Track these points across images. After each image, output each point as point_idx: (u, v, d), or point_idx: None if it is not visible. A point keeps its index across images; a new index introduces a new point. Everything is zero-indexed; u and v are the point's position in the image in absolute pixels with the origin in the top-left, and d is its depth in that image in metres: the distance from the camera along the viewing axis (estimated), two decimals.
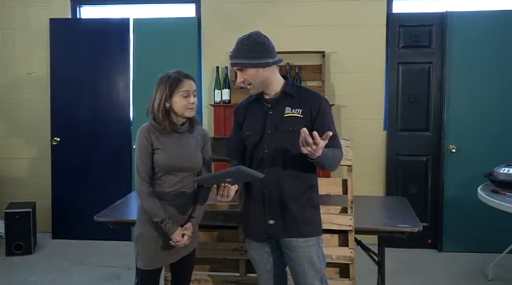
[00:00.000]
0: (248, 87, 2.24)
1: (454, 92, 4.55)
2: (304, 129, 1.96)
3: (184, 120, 2.36)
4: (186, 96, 2.29)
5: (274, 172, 2.23)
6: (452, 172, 4.58)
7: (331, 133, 1.99)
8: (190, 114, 2.33)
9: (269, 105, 2.27)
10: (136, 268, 2.40)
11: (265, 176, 2.16)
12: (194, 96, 2.32)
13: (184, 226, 2.36)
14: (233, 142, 2.44)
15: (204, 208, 2.48)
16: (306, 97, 2.25)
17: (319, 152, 2.00)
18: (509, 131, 4.50)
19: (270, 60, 2.20)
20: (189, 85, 2.31)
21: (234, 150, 2.43)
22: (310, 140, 1.94)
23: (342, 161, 2.29)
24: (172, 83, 2.28)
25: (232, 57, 2.22)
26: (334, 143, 2.21)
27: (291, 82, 2.31)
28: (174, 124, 2.32)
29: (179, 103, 2.28)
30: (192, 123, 2.40)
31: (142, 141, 2.29)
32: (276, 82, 2.27)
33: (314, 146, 1.95)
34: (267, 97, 2.29)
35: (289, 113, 2.22)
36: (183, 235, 2.32)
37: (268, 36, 2.23)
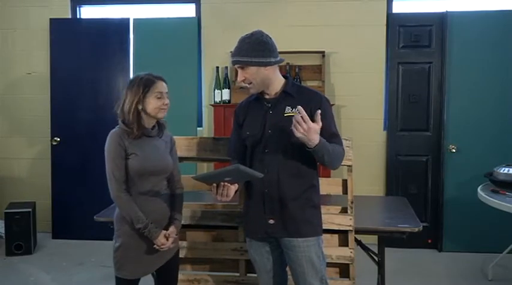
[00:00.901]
0: (248, 86, 2.24)
1: (454, 92, 4.55)
2: (299, 107, 1.99)
3: (154, 124, 2.34)
4: (160, 97, 2.27)
5: (275, 171, 2.22)
6: (452, 172, 4.58)
7: (319, 112, 2.02)
8: (162, 115, 2.31)
9: (269, 105, 2.27)
10: (116, 277, 2.33)
11: (266, 175, 2.17)
12: (167, 97, 2.31)
13: (169, 229, 2.33)
14: (233, 142, 2.44)
15: (182, 211, 2.47)
16: (306, 97, 2.24)
17: (314, 138, 2.01)
18: (509, 131, 4.50)
19: (272, 60, 2.20)
20: (162, 86, 2.29)
21: (234, 150, 2.43)
22: (298, 117, 1.96)
23: (342, 161, 2.29)
24: (146, 84, 2.25)
25: (233, 55, 2.22)
26: (335, 141, 2.22)
27: (291, 82, 2.31)
28: (144, 128, 2.29)
29: (153, 104, 2.26)
30: (161, 127, 2.39)
31: (115, 147, 2.23)
32: (276, 82, 2.27)
33: (304, 126, 1.97)
34: (267, 97, 2.29)
35: (290, 113, 2.21)
36: (167, 238, 2.30)
37: (270, 36, 2.23)
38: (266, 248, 2.34)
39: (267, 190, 2.24)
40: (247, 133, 2.31)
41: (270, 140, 2.24)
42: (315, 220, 2.30)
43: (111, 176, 2.23)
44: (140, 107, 2.26)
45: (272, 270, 2.36)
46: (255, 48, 2.16)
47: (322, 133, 2.13)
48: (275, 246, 2.33)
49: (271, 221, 2.25)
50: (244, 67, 2.19)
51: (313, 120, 2.02)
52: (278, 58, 2.23)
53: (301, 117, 1.97)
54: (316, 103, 2.22)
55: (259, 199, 2.27)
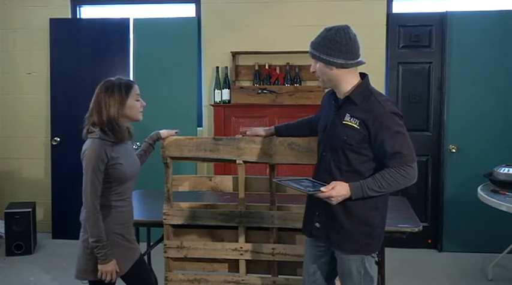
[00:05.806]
0: (318, 79, 2.16)
1: (454, 92, 4.55)
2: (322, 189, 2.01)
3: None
4: (138, 100, 2.30)
5: (327, 179, 2.11)
6: (452, 172, 4.58)
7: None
8: (141, 116, 2.34)
9: (337, 106, 2.16)
10: (92, 282, 2.29)
11: (318, 180, 2.13)
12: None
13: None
14: (307, 118, 2.53)
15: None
16: (367, 108, 2.04)
17: (341, 192, 2.00)
18: (509, 131, 4.50)
19: (339, 61, 2.03)
20: (137, 89, 2.32)
21: (303, 120, 2.54)
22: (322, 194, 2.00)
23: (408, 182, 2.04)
24: (127, 87, 2.27)
25: (310, 43, 2.13)
26: (394, 161, 1.98)
27: (362, 87, 2.10)
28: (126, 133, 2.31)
29: (134, 106, 2.29)
30: (129, 130, 2.38)
31: (97, 162, 2.18)
32: (346, 85, 2.10)
33: (329, 193, 1.99)
34: (338, 95, 2.16)
35: (347, 121, 2.06)
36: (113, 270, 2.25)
37: (354, 36, 2.07)
38: (315, 251, 2.27)
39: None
40: (320, 125, 2.27)
41: (328, 143, 2.14)
42: (364, 238, 2.12)
43: (91, 189, 2.19)
44: (122, 111, 2.25)
45: (314, 276, 2.29)
46: (325, 44, 2.04)
47: (381, 151, 2.00)
48: (324, 251, 2.26)
49: (317, 225, 2.20)
50: (314, 60, 2.11)
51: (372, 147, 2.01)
52: (350, 61, 2.04)
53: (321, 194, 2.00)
54: (375, 117, 2.01)
55: (313, 199, 2.17)
